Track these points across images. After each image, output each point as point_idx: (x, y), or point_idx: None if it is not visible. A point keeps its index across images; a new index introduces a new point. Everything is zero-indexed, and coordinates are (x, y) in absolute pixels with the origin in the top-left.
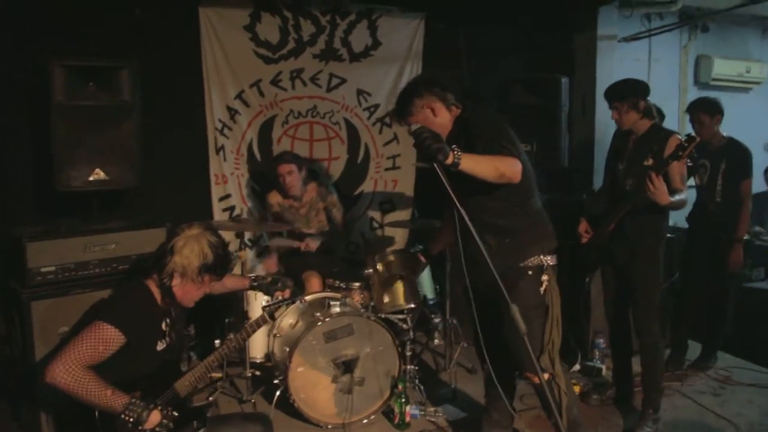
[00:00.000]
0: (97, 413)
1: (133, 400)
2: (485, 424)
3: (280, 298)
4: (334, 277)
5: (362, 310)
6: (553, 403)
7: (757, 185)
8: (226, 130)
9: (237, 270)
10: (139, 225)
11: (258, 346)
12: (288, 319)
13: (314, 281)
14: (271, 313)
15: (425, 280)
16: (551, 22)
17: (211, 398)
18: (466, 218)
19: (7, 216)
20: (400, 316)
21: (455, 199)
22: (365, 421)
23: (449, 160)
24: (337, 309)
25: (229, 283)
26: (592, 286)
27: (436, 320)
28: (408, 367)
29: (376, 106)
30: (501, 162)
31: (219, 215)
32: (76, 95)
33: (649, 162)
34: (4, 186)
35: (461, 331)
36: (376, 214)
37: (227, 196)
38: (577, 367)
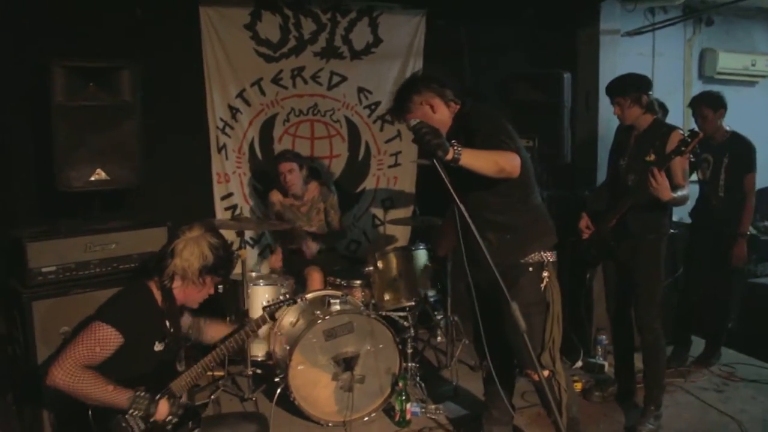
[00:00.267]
0: (90, 414)
1: (138, 394)
2: (485, 421)
3: (281, 298)
4: (335, 275)
5: (362, 308)
6: (552, 401)
7: (764, 180)
8: (227, 129)
9: (237, 269)
10: (140, 224)
11: (259, 344)
12: (288, 317)
13: (316, 276)
14: (271, 314)
15: (426, 277)
16: (553, 17)
17: (213, 396)
18: (466, 215)
19: (8, 216)
20: (401, 314)
21: (455, 196)
22: (366, 418)
23: (449, 156)
24: (338, 307)
25: (214, 332)
26: (594, 282)
27: (439, 317)
28: (409, 364)
29: (377, 104)
30: (500, 156)
31: (221, 214)
32: (76, 96)
33: (651, 157)
34: (5, 186)
35: (463, 328)
36: (378, 211)
37: (229, 195)
38: (579, 363)
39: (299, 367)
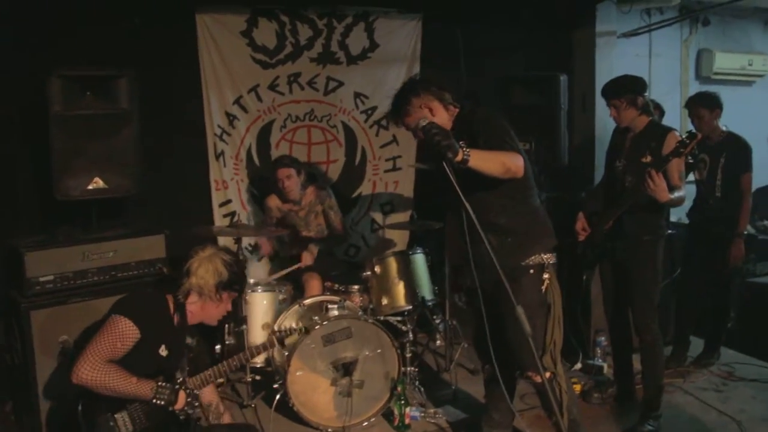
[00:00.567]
0: (80, 411)
1: (161, 384)
2: (485, 424)
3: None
4: (333, 280)
5: (360, 313)
6: (554, 403)
7: (763, 179)
8: (225, 136)
9: None
10: (138, 232)
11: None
12: (287, 323)
13: (314, 282)
14: (281, 339)
15: (424, 281)
16: (549, 19)
17: None
18: (474, 218)
19: (5, 226)
20: (400, 318)
21: (462, 198)
22: (365, 423)
23: (459, 158)
24: (336, 312)
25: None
26: (591, 284)
27: (437, 321)
28: (408, 368)
29: (374, 109)
30: (506, 157)
31: (219, 221)
32: (74, 105)
33: (648, 159)
34: (2, 196)
35: (461, 331)
36: (377, 216)
37: (228, 202)
38: (578, 365)
39: (298, 373)
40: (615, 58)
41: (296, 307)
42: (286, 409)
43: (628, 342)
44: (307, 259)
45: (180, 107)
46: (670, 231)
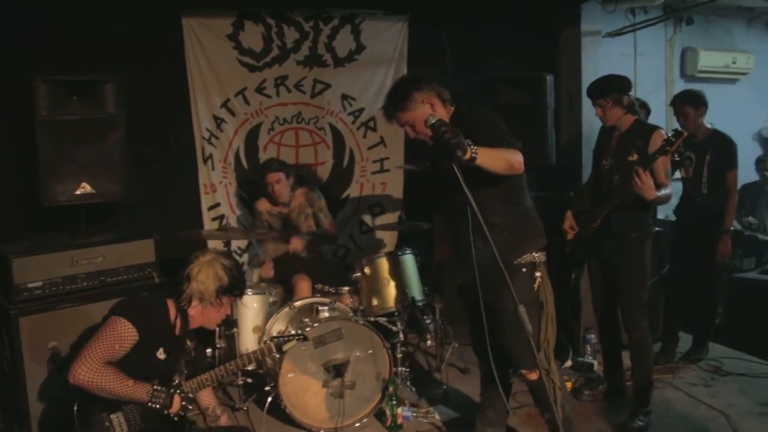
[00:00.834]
0: (75, 411)
1: (156, 387)
2: (479, 422)
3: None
4: (323, 282)
5: (351, 314)
6: (550, 399)
7: (749, 175)
8: (213, 140)
9: None
10: (126, 237)
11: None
12: (278, 325)
13: (303, 284)
14: (279, 346)
15: (414, 281)
16: (535, 20)
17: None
18: (480, 216)
19: None
20: (390, 319)
21: (471, 198)
22: (357, 424)
23: (467, 156)
24: (326, 314)
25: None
26: (581, 282)
27: (428, 321)
28: (399, 369)
29: (361, 110)
30: (509, 154)
31: (208, 224)
32: (60, 110)
33: (634, 157)
34: None
35: (452, 331)
36: (366, 218)
37: (216, 205)
38: (568, 363)
39: (289, 375)
40: (600, 57)
41: (287, 309)
42: (278, 411)
43: (618, 339)
44: (297, 244)
45: (167, 111)
46: (657, 228)
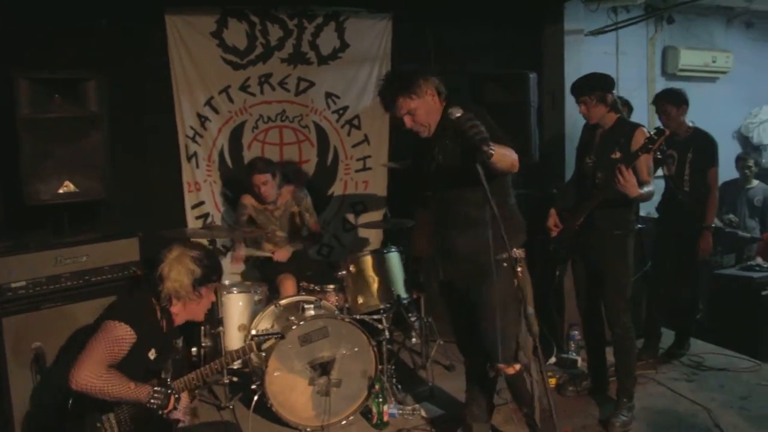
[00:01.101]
0: (69, 412)
1: (156, 388)
2: (467, 417)
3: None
4: (308, 280)
5: (336, 312)
6: (536, 393)
7: (729, 173)
8: (197, 138)
9: None
10: (111, 236)
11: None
12: (263, 324)
13: (288, 284)
14: (259, 344)
15: (399, 279)
16: (518, 18)
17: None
18: (496, 210)
19: None
20: (376, 317)
21: (489, 194)
22: (344, 422)
23: (490, 151)
24: (312, 312)
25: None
26: (564, 278)
27: (413, 319)
28: (385, 366)
29: (345, 108)
30: (512, 153)
31: (193, 223)
32: (42, 108)
33: (617, 155)
34: None
35: (437, 328)
36: (349, 216)
37: (200, 204)
38: (552, 359)
39: (275, 374)
40: (583, 56)
41: (272, 307)
42: (264, 409)
43: (601, 335)
44: (282, 255)
45: (151, 109)
46: (639, 225)
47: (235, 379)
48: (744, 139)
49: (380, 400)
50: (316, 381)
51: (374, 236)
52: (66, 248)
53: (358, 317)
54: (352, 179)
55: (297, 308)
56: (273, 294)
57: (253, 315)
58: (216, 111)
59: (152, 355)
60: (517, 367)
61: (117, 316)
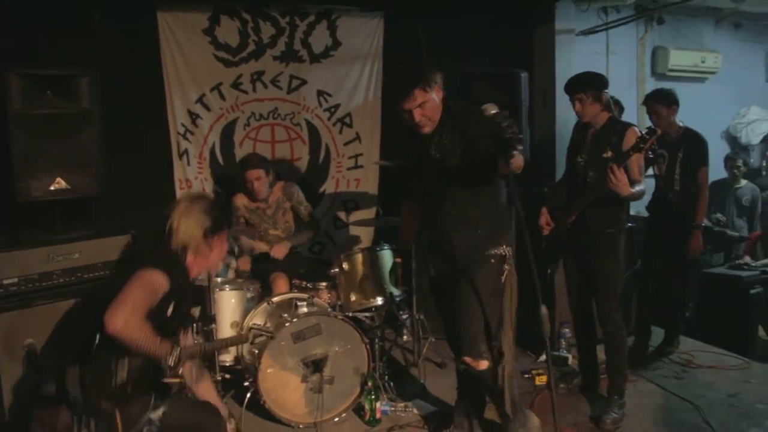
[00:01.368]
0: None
1: (175, 347)
2: (457, 413)
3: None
4: (300, 278)
5: (329, 310)
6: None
7: (718, 173)
8: (188, 135)
9: (203, 275)
10: (103, 233)
11: (227, 349)
12: (256, 321)
13: (281, 280)
14: (254, 336)
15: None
16: (510, 17)
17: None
18: (520, 210)
19: None
20: (368, 314)
21: (514, 194)
22: (336, 419)
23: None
24: (305, 309)
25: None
26: (556, 276)
27: (404, 316)
28: (377, 363)
29: (337, 106)
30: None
31: None
32: (34, 104)
33: (608, 154)
34: None
35: (429, 326)
36: (340, 214)
37: None
38: (543, 357)
39: (268, 371)
40: (574, 55)
41: (265, 305)
42: (257, 406)
43: (592, 333)
44: (280, 251)
45: (142, 106)
46: (630, 224)
47: (227, 376)
48: (732, 139)
49: (373, 397)
50: (309, 378)
51: (365, 234)
52: (58, 245)
53: (350, 314)
54: (344, 177)
55: (290, 305)
56: (266, 292)
57: (246, 312)
58: (207, 108)
59: (169, 311)
60: (485, 363)
61: (153, 263)
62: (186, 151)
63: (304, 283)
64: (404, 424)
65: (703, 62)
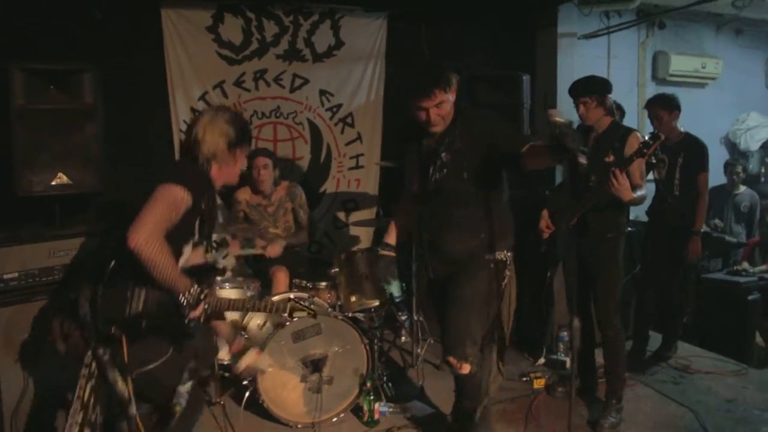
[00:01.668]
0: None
1: (195, 286)
2: (454, 417)
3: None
4: (300, 277)
5: (329, 310)
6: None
7: (717, 178)
8: None
9: None
10: (104, 229)
11: (226, 347)
12: (256, 319)
13: (281, 277)
14: (293, 309)
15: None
16: (513, 20)
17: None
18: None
19: None
20: (368, 315)
21: (575, 196)
22: (335, 419)
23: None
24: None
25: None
26: (555, 280)
27: (403, 318)
28: (376, 364)
29: (339, 106)
30: None
31: None
32: (37, 99)
33: (610, 159)
34: None
35: (428, 327)
36: (340, 214)
37: None
38: (541, 360)
39: (268, 370)
40: (576, 58)
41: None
42: (255, 405)
43: (591, 337)
44: (275, 250)
45: (145, 102)
46: (629, 228)
47: (226, 374)
48: (731, 145)
49: (371, 397)
50: (308, 378)
51: (364, 234)
52: (60, 240)
53: (350, 315)
54: (345, 177)
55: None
56: (265, 290)
57: (246, 310)
58: (210, 106)
59: (197, 226)
60: (467, 367)
61: (173, 179)
62: None
63: (304, 282)
64: (402, 426)
65: (703, 68)
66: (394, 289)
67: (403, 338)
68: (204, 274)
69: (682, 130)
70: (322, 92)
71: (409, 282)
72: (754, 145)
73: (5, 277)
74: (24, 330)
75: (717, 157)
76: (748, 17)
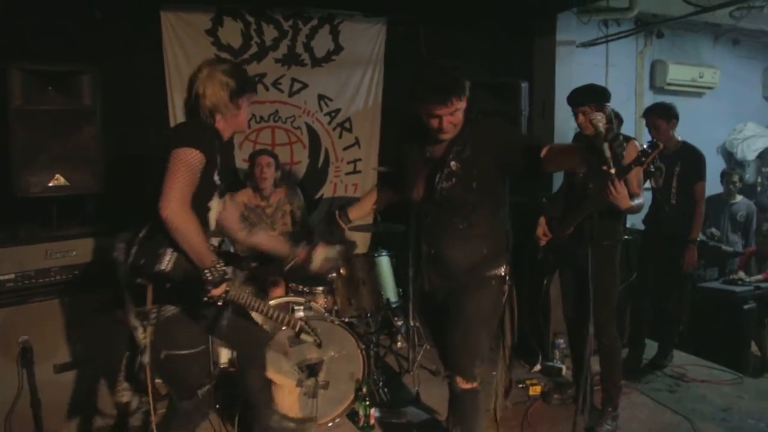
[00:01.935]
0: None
1: (220, 262)
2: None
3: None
4: (297, 282)
5: (326, 314)
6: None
7: (714, 188)
8: None
9: None
10: (101, 231)
11: (223, 351)
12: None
13: (277, 288)
14: (300, 331)
15: (388, 283)
16: (511, 27)
17: None
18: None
19: None
20: (364, 320)
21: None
22: (330, 424)
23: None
24: (301, 313)
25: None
26: (551, 287)
27: (399, 323)
28: (372, 369)
29: (337, 111)
30: None
31: None
32: (35, 100)
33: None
34: None
35: (424, 333)
36: None
37: None
38: (538, 367)
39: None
40: (574, 66)
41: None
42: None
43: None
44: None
45: (144, 104)
46: (626, 236)
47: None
48: (728, 154)
49: (367, 403)
50: (304, 382)
51: (362, 240)
52: (57, 242)
53: (346, 320)
54: (342, 182)
55: (286, 309)
56: (262, 294)
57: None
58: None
59: (217, 177)
60: (473, 384)
61: (182, 142)
62: None
63: (301, 287)
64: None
65: (701, 77)
66: (391, 294)
67: (399, 343)
68: (231, 259)
69: (679, 139)
70: (321, 97)
71: (405, 287)
72: (751, 155)
73: (1, 278)
74: (20, 332)
75: (714, 166)
76: (745, 28)
